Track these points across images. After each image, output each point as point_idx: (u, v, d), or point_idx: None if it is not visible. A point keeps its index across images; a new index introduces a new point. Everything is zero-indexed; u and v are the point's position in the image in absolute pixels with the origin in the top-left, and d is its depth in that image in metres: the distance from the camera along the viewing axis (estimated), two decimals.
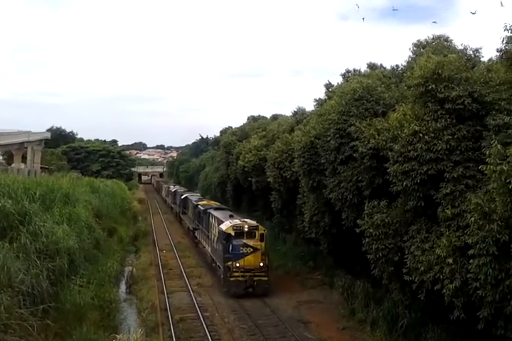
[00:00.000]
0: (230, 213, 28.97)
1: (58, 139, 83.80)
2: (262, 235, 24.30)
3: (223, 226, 24.70)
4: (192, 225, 38.50)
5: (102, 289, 21.06)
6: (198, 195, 52.61)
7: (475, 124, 14.60)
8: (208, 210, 30.98)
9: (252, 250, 23.59)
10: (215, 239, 26.78)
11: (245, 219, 26.19)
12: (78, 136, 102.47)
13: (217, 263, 26.02)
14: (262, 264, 23.50)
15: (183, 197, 48.42)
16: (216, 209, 31.74)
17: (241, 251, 23.53)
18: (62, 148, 79.79)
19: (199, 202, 37.04)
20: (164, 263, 31.44)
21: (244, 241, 23.81)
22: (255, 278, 23.34)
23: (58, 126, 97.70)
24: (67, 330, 15.93)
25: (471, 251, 11.98)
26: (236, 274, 23.34)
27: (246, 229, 24.16)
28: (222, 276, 24.52)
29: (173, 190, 62.81)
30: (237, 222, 25.00)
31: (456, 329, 14.77)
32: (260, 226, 24.85)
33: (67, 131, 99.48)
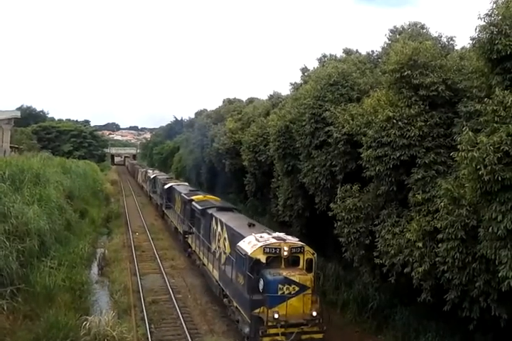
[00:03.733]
0: (249, 220, 19.65)
1: (28, 118, 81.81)
2: (309, 262, 15.49)
3: (246, 247, 15.63)
4: (182, 227, 29.04)
5: (74, 271, 20.88)
6: (187, 184, 41.43)
7: (447, 111, 14.83)
8: (209, 211, 22.56)
9: (297, 289, 14.53)
10: (227, 259, 17.99)
11: (279, 234, 16.54)
12: (49, 116, 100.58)
13: (235, 305, 16.51)
14: (315, 313, 14.55)
15: (167, 186, 38.23)
16: (221, 209, 22.73)
17: (280, 292, 14.45)
18: (32, 127, 77.96)
19: (192, 197, 27.55)
20: (137, 245, 31.26)
21: (285, 273, 14.76)
22: (304, 337, 14.41)
23: (29, 104, 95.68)
24: (36, 312, 15.78)
25: (440, 236, 12.26)
26: (273, 331, 14.24)
27: (285, 253, 15.19)
28: (247, 331, 15.03)
29: (152, 176, 52.17)
30: (269, 239, 15.75)
31: (423, 311, 15.22)
32: (307, 247, 15.64)
33: (38, 109, 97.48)
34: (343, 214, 16.40)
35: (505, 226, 10.28)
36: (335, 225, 16.90)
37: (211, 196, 29.29)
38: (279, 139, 23.49)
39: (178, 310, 19.18)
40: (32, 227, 18.83)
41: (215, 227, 20.62)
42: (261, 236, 16.03)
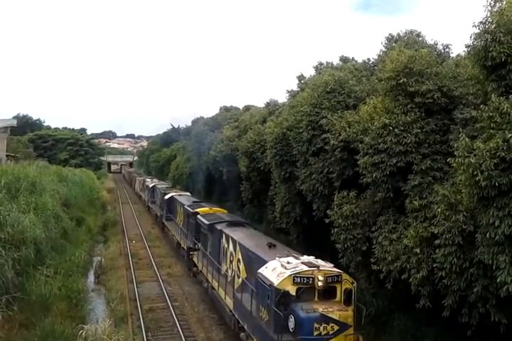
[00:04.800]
0: (267, 239, 17.06)
1: (25, 127, 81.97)
2: (348, 293, 12.78)
3: (271, 276, 12.95)
4: (186, 242, 26.34)
5: (70, 279, 20.77)
6: (189, 194, 38.11)
7: (443, 118, 14.91)
8: (218, 226, 20.02)
9: (337, 328, 11.86)
10: (243, 285, 15.55)
11: (309, 258, 13.71)
12: (46, 124, 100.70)
13: None
14: None
15: (167, 197, 35.56)
16: (231, 225, 20.01)
17: (316, 332, 11.77)
18: (28, 135, 77.99)
19: (197, 210, 25.14)
20: (134, 253, 31.15)
21: (321, 309, 12.07)
22: None
23: (25, 113, 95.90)
24: (32, 321, 15.67)
25: (437, 241, 12.26)
26: None
27: (320, 284, 12.47)
28: None
29: (150, 186, 49.72)
30: (298, 265, 13.00)
31: (421, 317, 15.16)
32: (345, 275, 13.07)
33: (35, 118, 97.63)
34: (340, 220, 16.38)
35: (503, 232, 10.32)
36: (332, 232, 16.88)
37: (218, 208, 26.77)
38: (276, 146, 23.54)
39: (175, 318, 19.07)
40: (28, 235, 18.73)
41: (226, 246, 18.20)
42: (288, 262, 13.18)
